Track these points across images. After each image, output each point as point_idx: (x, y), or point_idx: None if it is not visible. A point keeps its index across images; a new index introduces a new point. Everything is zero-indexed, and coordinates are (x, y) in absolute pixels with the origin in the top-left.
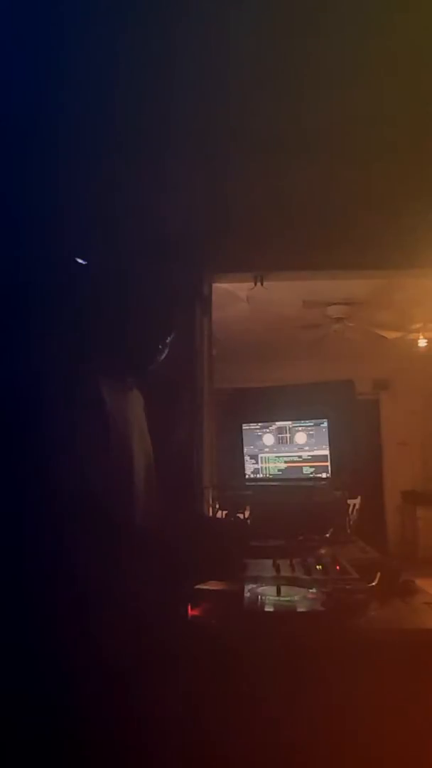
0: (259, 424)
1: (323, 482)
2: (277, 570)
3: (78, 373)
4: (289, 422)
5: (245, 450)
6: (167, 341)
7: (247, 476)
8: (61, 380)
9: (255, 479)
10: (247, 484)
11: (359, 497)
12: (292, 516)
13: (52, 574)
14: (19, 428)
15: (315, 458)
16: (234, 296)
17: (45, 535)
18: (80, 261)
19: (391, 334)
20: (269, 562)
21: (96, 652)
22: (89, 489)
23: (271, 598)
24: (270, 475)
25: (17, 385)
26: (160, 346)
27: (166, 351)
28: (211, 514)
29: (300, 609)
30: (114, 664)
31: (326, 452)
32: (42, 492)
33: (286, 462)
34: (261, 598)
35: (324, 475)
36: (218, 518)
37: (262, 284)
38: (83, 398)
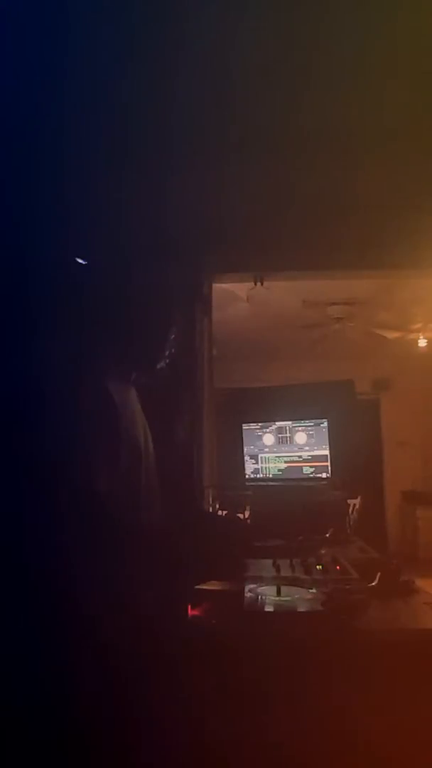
0: (259, 424)
1: (323, 482)
2: (277, 570)
3: (84, 372)
4: (289, 422)
5: (245, 450)
6: (170, 337)
7: (247, 476)
8: (68, 379)
9: (255, 479)
10: (247, 484)
11: (359, 497)
12: (292, 516)
13: (53, 573)
14: (25, 426)
15: (315, 458)
16: (234, 296)
17: (47, 534)
18: (80, 261)
19: (391, 334)
20: (269, 562)
21: (96, 651)
22: (93, 488)
23: (271, 598)
24: (270, 475)
25: (23, 384)
26: (162, 342)
27: (171, 347)
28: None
29: (300, 609)
30: (114, 663)
31: (326, 452)
32: (46, 490)
33: (286, 462)
34: (261, 598)
35: (324, 475)
36: (219, 518)
37: (262, 284)
38: (90, 397)
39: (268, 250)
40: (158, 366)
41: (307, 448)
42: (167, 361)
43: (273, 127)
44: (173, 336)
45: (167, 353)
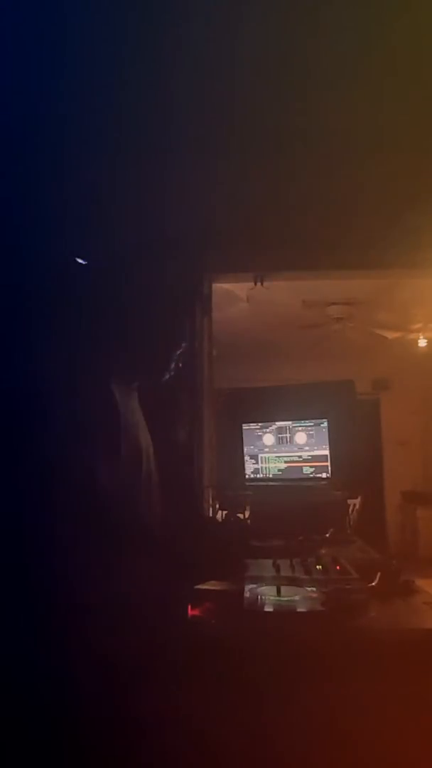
0: (259, 424)
1: (323, 482)
2: (277, 570)
3: (86, 373)
4: (289, 422)
5: (245, 450)
6: (172, 339)
7: (247, 476)
8: (70, 381)
9: (255, 479)
10: (247, 484)
11: (359, 497)
12: (292, 516)
13: (54, 573)
14: (29, 427)
15: (315, 458)
16: (234, 296)
17: (49, 534)
18: (80, 261)
19: (391, 334)
20: (269, 562)
21: (96, 650)
22: (94, 488)
23: (271, 598)
24: (270, 475)
25: (27, 386)
26: (164, 344)
27: (175, 350)
28: (211, 514)
29: (300, 609)
30: (114, 663)
31: (326, 452)
32: (48, 491)
33: (286, 462)
34: (261, 598)
35: (324, 475)
36: (218, 518)
37: (262, 284)
38: (92, 399)
39: (268, 250)
40: (162, 369)
41: (307, 448)
42: (171, 365)
43: (273, 127)
44: (176, 341)
45: (171, 356)
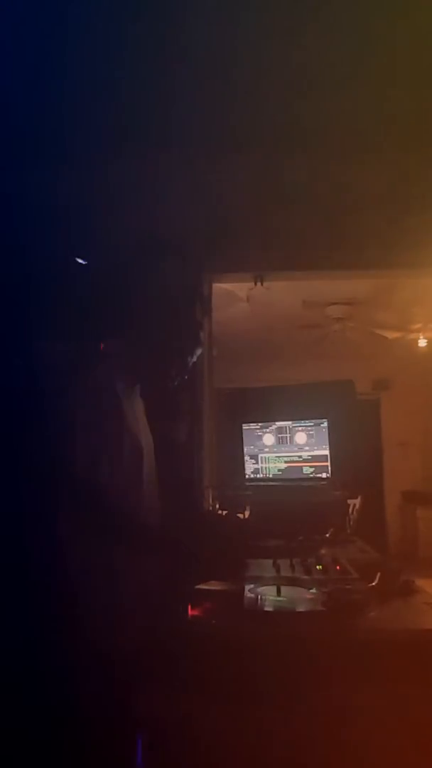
0: (259, 424)
1: (323, 482)
2: (277, 570)
3: (89, 372)
4: (289, 422)
5: (245, 450)
6: (177, 351)
7: (247, 476)
8: (73, 380)
9: (255, 479)
10: (247, 484)
11: (359, 497)
12: (292, 516)
13: (53, 572)
14: (29, 426)
15: (315, 458)
16: (234, 296)
17: (49, 533)
18: (80, 261)
19: (391, 334)
20: (269, 562)
21: (96, 651)
22: (94, 487)
23: (271, 598)
24: (270, 475)
25: (28, 385)
26: (169, 355)
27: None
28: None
29: (300, 609)
30: (114, 662)
31: (326, 452)
32: (48, 489)
33: (286, 462)
34: (261, 598)
35: (324, 475)
36: (219, 518)
37: (262, 284)
38: (94, 398)
39: (268, 250)
40: (162, 370)
41: (307, 448)
42: (172, 365)
43: (273, 127)
44: (177, 341)
45: (171, 356)
